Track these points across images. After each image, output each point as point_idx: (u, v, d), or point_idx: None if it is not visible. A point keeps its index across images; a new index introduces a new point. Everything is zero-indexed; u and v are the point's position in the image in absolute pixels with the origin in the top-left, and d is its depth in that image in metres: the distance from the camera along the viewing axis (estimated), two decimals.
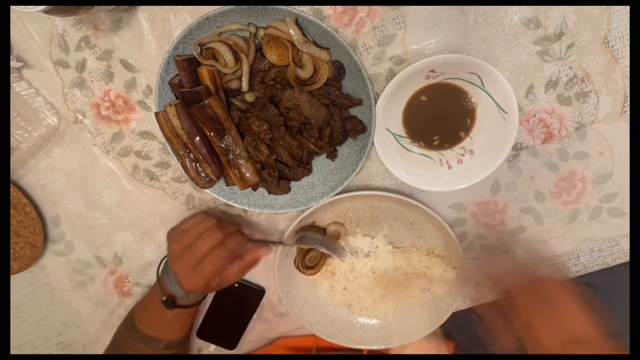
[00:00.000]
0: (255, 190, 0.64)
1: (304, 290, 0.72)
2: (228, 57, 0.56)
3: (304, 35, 0.56)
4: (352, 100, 0.59)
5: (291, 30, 0.55)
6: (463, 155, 0.62)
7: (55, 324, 0.78)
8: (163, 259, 0.65)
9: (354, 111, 0.61)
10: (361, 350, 0.72)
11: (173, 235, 0.62)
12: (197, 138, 0.58)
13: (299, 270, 0.70)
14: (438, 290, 0.70)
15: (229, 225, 0.62)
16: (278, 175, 0.62)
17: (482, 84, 0.57)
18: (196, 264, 0.58)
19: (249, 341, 0.76)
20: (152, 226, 0.70)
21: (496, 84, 0.55)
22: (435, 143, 0.62)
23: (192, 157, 0.61)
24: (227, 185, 0.63)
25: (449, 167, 0.62)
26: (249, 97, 0.59)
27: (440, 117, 0.61)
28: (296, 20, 0.55)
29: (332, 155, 0.62)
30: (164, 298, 0.62)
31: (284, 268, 0.69)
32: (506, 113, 0.57)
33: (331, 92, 0.59)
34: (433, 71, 0.56)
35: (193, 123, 0.58)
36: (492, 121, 0.59)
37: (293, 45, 0.56)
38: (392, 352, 0.72)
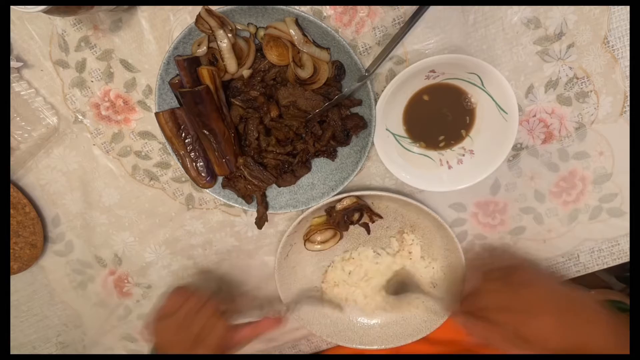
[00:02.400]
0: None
1: (304, 290, 0.72)
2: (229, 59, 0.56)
3: (304, 35, 0.56)
4: (352, 100, 0.59)
5: (291, 30, 0.55)
6: (463, 155, 0.62)
7: (55, 324, 0.78)
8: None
9: (354, 111, 0.61)
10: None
11: (157, 326, 0.61)
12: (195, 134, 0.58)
13: (305, 242, 0.70)
14: (438, 290, 0.70)
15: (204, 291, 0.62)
16: (280, 167, 0.62)
17: (482, 84, 0.57)
18: (196, 342, 0.57)
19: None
20: (152, 226, 0.70)
21: (496, 84, 0.55)
22: (436, 143, 0.62)
23: (192, 156, 0.61)
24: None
25: (449, 167, 0.62)
26: (246, 74, 0.59)
27: (440, 117, 0.61)
28: (296, 20, 0.55)
29: (332, 155, 0.62)
30: None
31: (284, 268, 0.69)
32: (506, 113, 0.57)
33: (331, 92, 0.59)
34: (433, 71, 0.56)
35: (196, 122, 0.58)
36: (492, 121, 0.59)
37: (293, 45, 0.56)
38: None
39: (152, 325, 0.61)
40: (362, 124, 0.59)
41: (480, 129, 0.60)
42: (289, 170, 0.63)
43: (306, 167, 0.63)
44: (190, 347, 0.57)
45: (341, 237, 0.70)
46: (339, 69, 0.58)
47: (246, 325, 0.62)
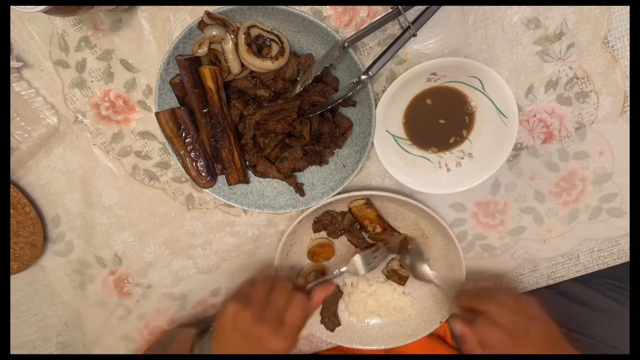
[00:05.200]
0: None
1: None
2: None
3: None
4: (347, 102, 0.59)
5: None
6: (462, 158, 0.62)
7: (55, 324, 0.78)
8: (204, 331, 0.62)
9: (354, 111, 0.61)
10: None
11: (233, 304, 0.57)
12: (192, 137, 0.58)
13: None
14: (438, 290, 0.70)
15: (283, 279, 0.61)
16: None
17: (483, 88, 0.57)
18: (280, 319, 0.55)
19: None
20: (152, 226, 0.70)
21: (497, 88, 0.55)
22: (436, 145, 0.62)
23: (192, 156, 0.61)
24: (229, 185, 0.63)
25: (448, 170, 0.62)
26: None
27: (440, 120, 0.61)
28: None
29: (321, 162, 0.63)
30: None
31: (284, 269, 0.69)
32: (506, 117, 0.57)
33: (327, 90, 0.59)
34: (434, 74, 0.56)
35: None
36: (492, 125, 0.59)
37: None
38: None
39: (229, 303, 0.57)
40: (348, 125, 0.60)
41: (480, 133, 0.60)
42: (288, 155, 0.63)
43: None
44: (276, 324, 0.54)
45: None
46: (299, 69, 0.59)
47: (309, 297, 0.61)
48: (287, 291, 0.57)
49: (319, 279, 0.67)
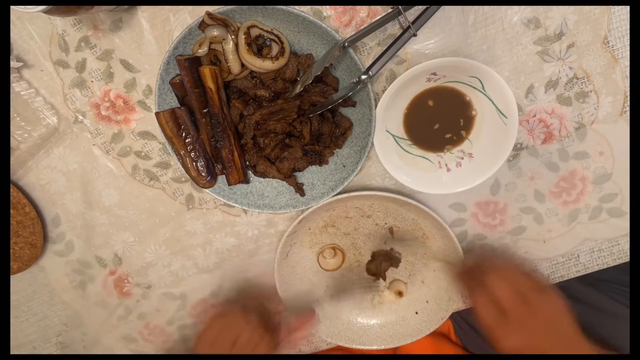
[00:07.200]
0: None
1: (303, 291, 0.72)
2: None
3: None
4: (347, 102, 0.59)
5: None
6: (462, 158, 0.62)
7: (55, 324, 0.78)
8: None
9: (354, 111, 0.61)
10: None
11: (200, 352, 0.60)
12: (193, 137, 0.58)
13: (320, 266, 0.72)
14: (438, 290, 0.70)
15: (250, 313, 0.61)
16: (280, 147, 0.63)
17: (483, 88, 0.57)
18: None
19: None
20: (152, 226, 0.70)
21: (497, 88, 0.55)
22: (435, 146, 0.62)
23: (192, 156, 0.61)
24: (229, 185, 0.63)
25: (448, 170, 0.62)
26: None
27: (440, 120, 0.61)
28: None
29: (321, 162, 0.63)
30: None
31: (284, 269, 0.69)
32: (506, 117, 0.57)
33: (327, 90, 0.59)
34: (434, 74, 0.56)
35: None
36: (492, 125, 0.59)
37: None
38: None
39: (196, 352, 0.61)
40: (348, 125, 0.60)
41: (480, 133, 0.60)
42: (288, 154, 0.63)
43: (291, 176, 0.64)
44: None
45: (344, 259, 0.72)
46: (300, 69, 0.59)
47: (282, 330, 0.63)
48: (253, 333, 0.58)
49: (298, 311, 0.67)
